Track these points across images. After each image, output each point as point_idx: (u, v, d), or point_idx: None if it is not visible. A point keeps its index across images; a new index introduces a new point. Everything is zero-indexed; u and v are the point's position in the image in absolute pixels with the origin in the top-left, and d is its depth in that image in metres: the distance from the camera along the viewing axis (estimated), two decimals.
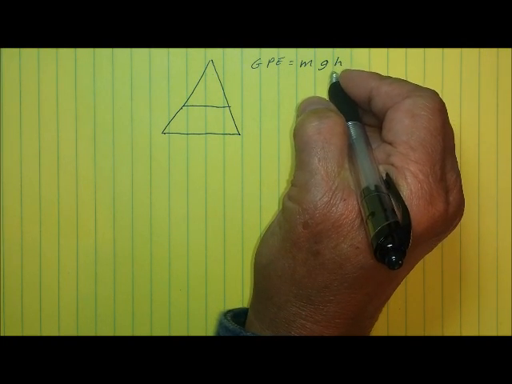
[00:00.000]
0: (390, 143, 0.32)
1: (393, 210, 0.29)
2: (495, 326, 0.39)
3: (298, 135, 0.33)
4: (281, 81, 0.38)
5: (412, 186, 0.30)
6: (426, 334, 0.39)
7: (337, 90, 0.37)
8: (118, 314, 0.38)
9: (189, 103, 0.38)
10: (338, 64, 0.38)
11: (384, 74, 0.37)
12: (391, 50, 0.38)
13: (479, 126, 0.38)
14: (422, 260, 0.36)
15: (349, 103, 0.36)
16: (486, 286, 0.39)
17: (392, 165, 0.31)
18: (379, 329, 0.38)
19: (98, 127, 0.38)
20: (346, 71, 0.36)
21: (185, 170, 0.38)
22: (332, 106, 0.36)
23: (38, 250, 0.38)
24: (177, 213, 0.38)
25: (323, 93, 0.38)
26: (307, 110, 0.35)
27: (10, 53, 0.37)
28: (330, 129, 0.32)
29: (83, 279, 0.38)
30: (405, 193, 0.30)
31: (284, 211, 0.33)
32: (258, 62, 0.38)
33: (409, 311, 0.39)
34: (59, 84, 0.37)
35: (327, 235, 0.31)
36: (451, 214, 0.32)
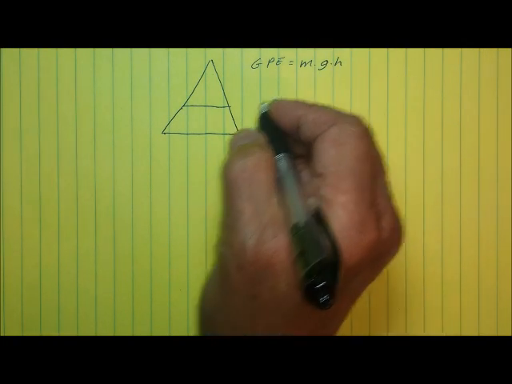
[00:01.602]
0: (320, 175, 0.31)
1: (322, 247, 0.28)
2: (495, 326, 0.39)
3: (224, 177, 0.32)
4: (281, 81, 0.38)
5: (342, 218, 0.30)
6: (426, 334, 0.39)
7: (266, 121, 0.36)
8: (118, 313, 0.38)
9: (189, 103, 0.38)
10: (338, 64, 0.38)
11: (384, 74, 0.37)
12: (391, 49, 0.38)
13: (479, 125, 0.38)
14: (421, 260, 0.36)
15: (278, 134, 0.35)
16: (486, 286, 0.39)
17: (322, 197, 0.30)
18: (379, 329, 0.38)
19: (98, 127, 0.38)
20: (275, 101, 0.36)
21: (185, 170, 0.38)
22: (261, 139, 0.35)
23: (37, 250, 0.38)
24: (177, 213, 0.38)
25: (323, 93, 0.38)
26: (235, 146, 0.35)
27: (9, 53, 0.37)
28: (254, 166, 0.32)
29: (83, 279, 0.38)
30: (335, 226, 0.29)
31: (218, 257, 0.32)
32: (258, 62, 0.38)
33: (409, 311, 0.39)
34: (59, 84, 0.37)
35: (262, 276, 0.30)
36: (385, 239, 0.31)
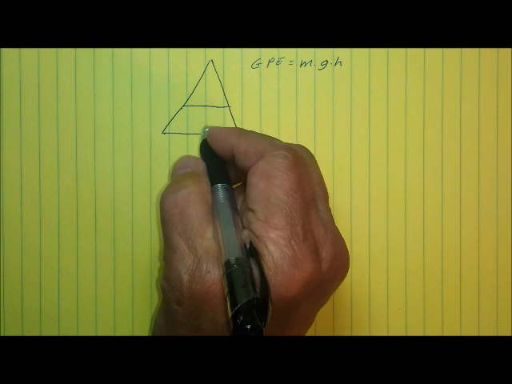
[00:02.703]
0: (251, 210, 0.31)
1: (250, 286, 0.28)
2: (495, 326, 0.39)
3: (159, 210, 0.33)
4: (281, 81, 0.38)
5: (274, 254, 0.29)
6: (426, 334, 0.39)
7: (206, 148, 0.36)
8: (118, 313, 0.38)
9: (189, 103, 0.38)
10: (338, 64, 0.38)
11: (384, 74, 0.37)
12: (391, 49, 0.38)
13: (479, 125, 0.38)
14: (421, 260, 0.36)
15: (217, 162, 0.35)
16: (486, 286, 0.39)
17: (254, 232, 0.30)
18: (379, 329, 0.38)
19: (98, 127, 0.38)
20: (211, 129, 0.36)
21: None
22: (199, 169, 0.35)
23: (38, 250, 0.38)
24: None
25: (323, 93, 0.38)
26: (174, 176, 0.35)
27: (9, 53, 0.37)
28: (185, 200, 0.32)
29: (83, 279, 0.38)
30: (268, 262, 0.29)
31: (161, 291, 0.32)
32: (258, 62, 0.38)
33: (409, 311, 0.39)
34: (59, 84, 0.37)
35: (201, 309, 0.30)
36: (326, 269, 0.31)
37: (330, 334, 0.38)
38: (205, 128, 0.37)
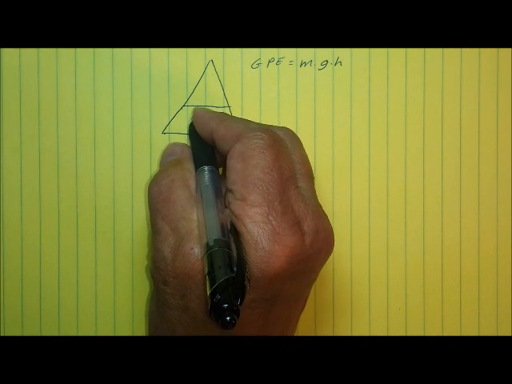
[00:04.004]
0: (230, 191, 0.32)
1: (230, 265, 0.29)
2: (495, 326, 0.39)
3: (147, 200, 0.34)
4: (281, 81, 0.38)
5: (252, 231, 0.30)
6: (426, 334, 0.39)
7: (193, 131, 0.36)
8: (118, 314, 0.38)
9: (189, 103, 0.38)
10: (338, 64, 0.38)
11: (384, 74, 0.37)
12: (391, 49, 0.38)
13: (479, 125, 0.38)
14: (421, 260, 0.36)
15: (203, 145, 0.35)
16: (486, 286, 0.39)
17: (233, 212, 0.31)
18: (379, 329, 0.38)
19: (98, 127, 0.38)
20: (196, 111, 0.36)
21: None
22: (184, 155, 0.36)
23: (38, 250, 0.38)
24: None
25: (323, 93, 0.38)
26: (161, 164, 0.36)
27: (9, 53, 0.37)
28: (168, 188, 0.33)
29: (83, 279, 0.38)
30: (247, 239, 0.30)
31: (150, 274, 0.33)
32: (258, 62, 0.38)
33: (409, 311, 0.39)
34: (59, 84, 0.37)
35: (187, 287, 0.31)
36: (310, 242, 0.31)
37: (330, 334, 0.38)
38: (194, 110, 0.37)
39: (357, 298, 0.38)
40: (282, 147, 0.33)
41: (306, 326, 0.37)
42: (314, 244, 0.31)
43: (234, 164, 0.32)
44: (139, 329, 0.38)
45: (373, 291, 0.38)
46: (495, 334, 0.39)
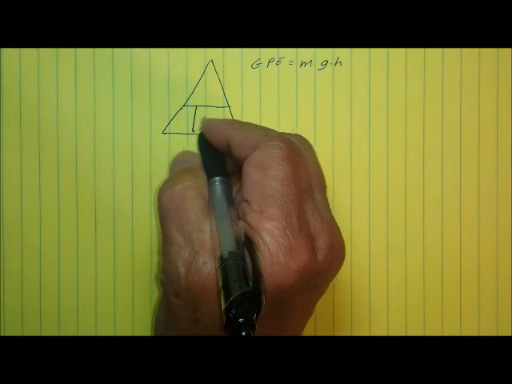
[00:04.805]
0: (246, 201, 0.31)
1: (246, 278, 0.29)
2: (495, 326, 0.39)
3: (157, 206, 0.33)
4: (281, 81, 0.38)
5: (269, 245, 0.30)
6: (426, 334, 0.39)
7: (203, 141, 0.36)
8: (118, 314, 0.38)
9: (189, 103, 0.38)
10: (338, 64, 0.38)
11: (384, 74, 0.37)
12: (391, 49, 0.38)
13: (479, 125, 0.38)
14: (421, 260, 0.36)
15: (213, 155, 0.35)
16: (486, 286, 0.39)
17: (249, 224, 0.31)
18: (379, 329, 0.38)
19: (98, 127, 0.38)
20: (205, 120, 0.36)
21: None
22: (195, 164, 0.35)
23: (38, 250, 0.38)
24: None
25: (323, 93, 0.38)
26: (172, 172, 0.36)
27: (9, 53, 0.37)
28: (181, 195, 0.32)
29: (83, 279, 0.38)
30: (263, 252, 0.30)
31: (160, 283, 0.33)
32: (258, 62, 0.38)
33: (409, 311, 0.39)
34: (59, 84, 0.37)
35: (199, 301, 0.30)
36: (322, 259, 0.31)
37: (330, 334, 0.38)
38: (203, 120, 0.37)
39: (357, 298, 0.38)
40: (300, 157, 0.32)
41: (307, 326, 0.37)
42: (327, 260, 0.31)
43: (251, 173, 0.31)
44: (139, 329, 0.38)
45: (373, 291, 0.38)
46: (495, 334, 0.39)
